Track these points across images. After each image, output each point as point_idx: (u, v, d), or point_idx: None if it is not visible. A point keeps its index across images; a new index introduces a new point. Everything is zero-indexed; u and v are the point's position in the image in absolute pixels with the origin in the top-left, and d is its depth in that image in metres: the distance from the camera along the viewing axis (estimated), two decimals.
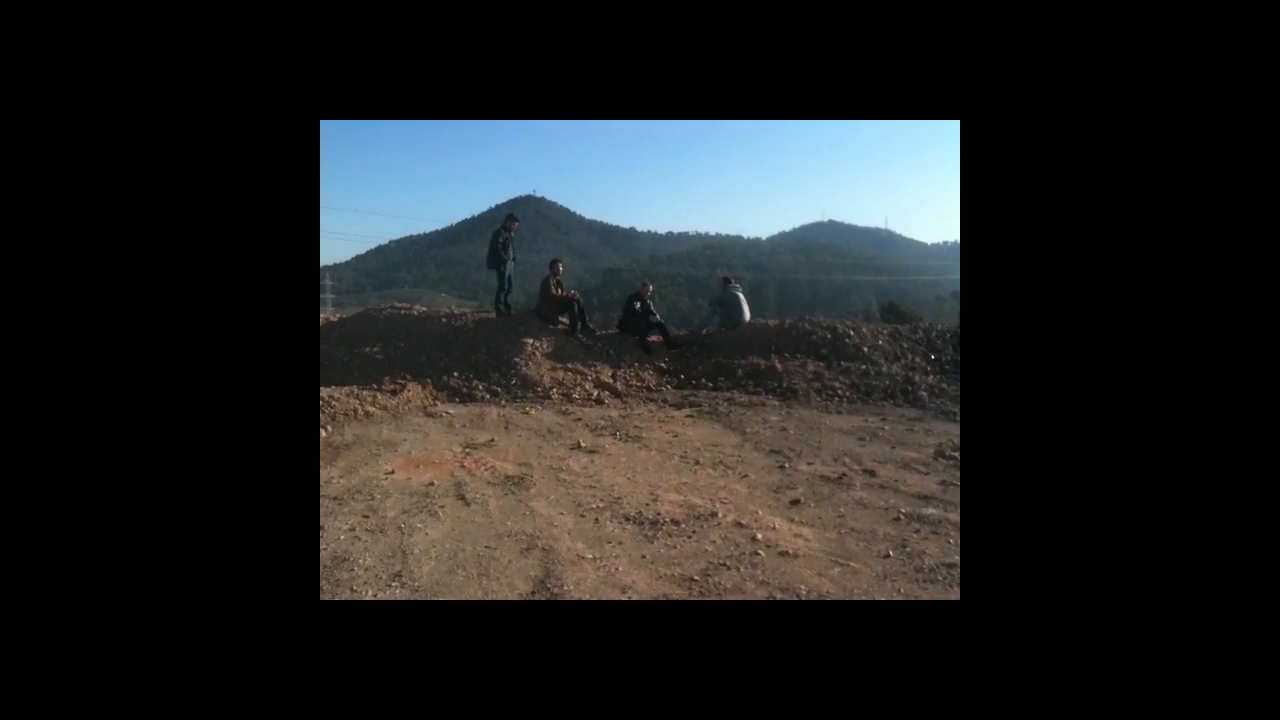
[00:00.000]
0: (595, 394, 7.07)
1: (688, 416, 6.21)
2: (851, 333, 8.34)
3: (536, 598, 2.60)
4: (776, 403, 6.75)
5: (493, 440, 5.27)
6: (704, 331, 9.12)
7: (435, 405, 6.63)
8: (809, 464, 4.61)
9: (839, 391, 7.02)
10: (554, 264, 9.02)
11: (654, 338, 8.74)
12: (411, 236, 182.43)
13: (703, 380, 7.59)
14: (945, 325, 9.55)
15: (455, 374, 7.33)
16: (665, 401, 6.88)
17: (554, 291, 8.66)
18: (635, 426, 5.73)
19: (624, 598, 2.60)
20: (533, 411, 6.37)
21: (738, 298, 8.91)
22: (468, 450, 4.98)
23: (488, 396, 6.95)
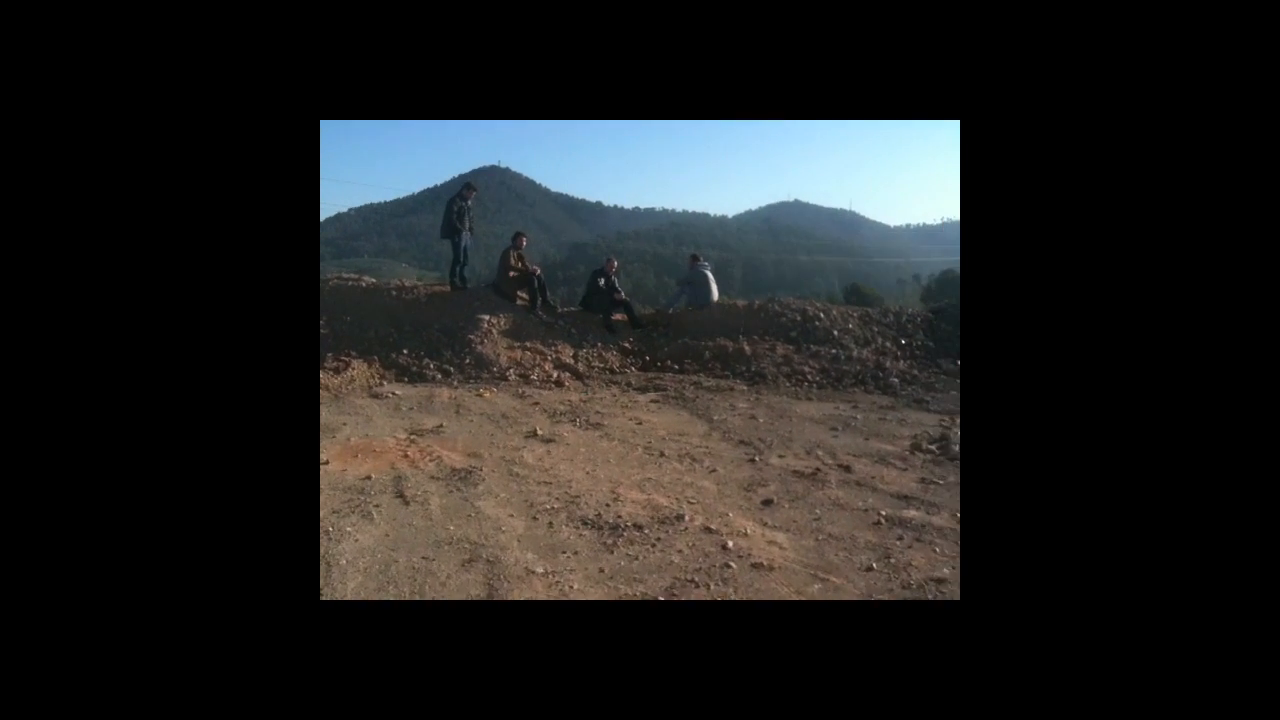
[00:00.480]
0: (555, 375, 6.69)
1: (652, 402, 5.88)
2: (821, 315, 8.10)
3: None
4: (745, 388, 6.46)
5: (441, 426, 4.87)
6: (670, 311, 8.77)
7: (381, 385, 6.18)
8: (780, 457, 4.33)
9: (809, 376, 6.77)
10: (517, 237, 8.55)
11: (618, 316, 8.36)
12: (372, 205, 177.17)
13: (668, 362, 7.26)
14: (914, 309, 9.41)
15: (405, 351, 6.85)
16: (629, 385, 6.54)
17: (514, 265, 8.19)
18: (597, 412, 5.38)
19: None
20: (487, 394, 5.97)
21: (706, 277, 8.57)
22: (413, 438, 4.58)
23: (439, 376, 6.51)
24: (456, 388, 6.20)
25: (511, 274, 8.12)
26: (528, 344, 7.21)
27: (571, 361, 7.05)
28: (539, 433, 4.72)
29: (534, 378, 6.56)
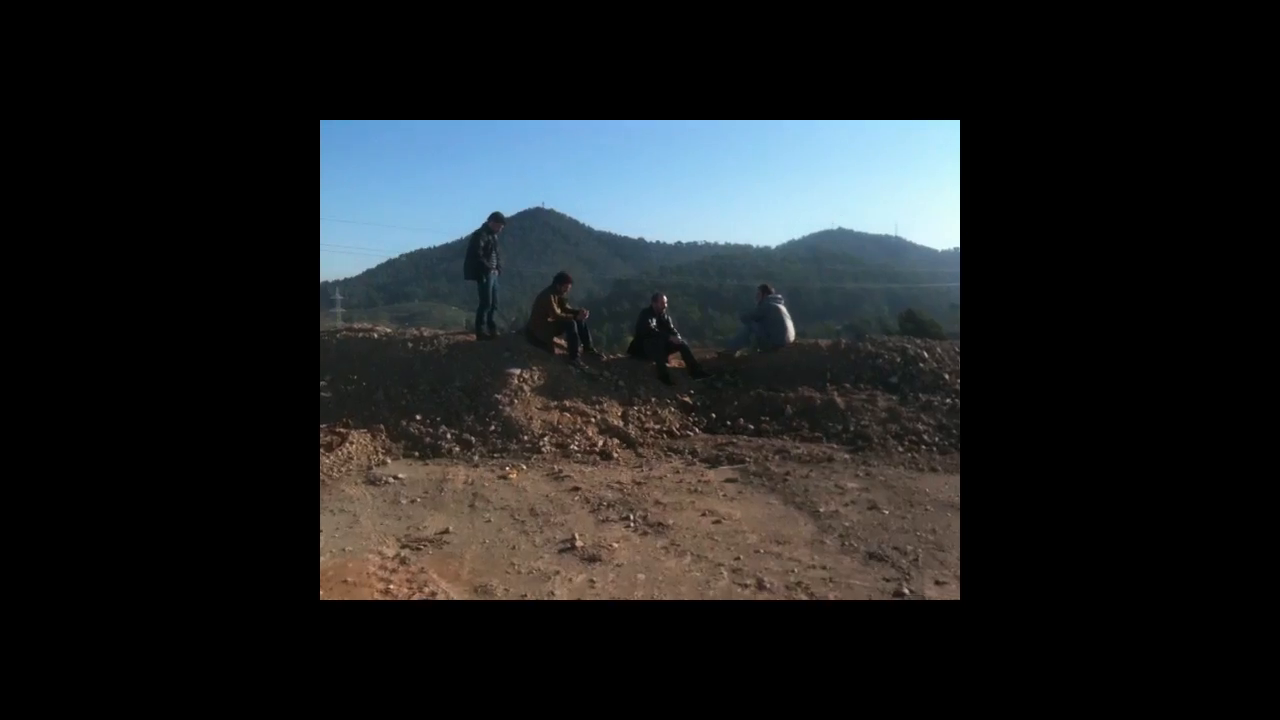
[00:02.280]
0: (600, 444, 5.32)
1: (729, 481, 4.44)
2: (925, 355, 6.55)
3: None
4: (847, 456, 4.96)
5: (446, 532, 3.54)
6: (736, 354, 7.34)
7: (384, 464, 4.92)
8: (940, 583, 2.86)
9: (925, 437, 5.23)
10: (562, 280, 7.16)
11: (674, 362, 6.99)
12: (421, 250, 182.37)
13: (741, 421, 5.81)
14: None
15: (418, 417, 5.61)
16: (694, 454, 5.12)
17: (555, 310, 6.90)
18: (656, 503, 3.98)
19: None
20: (514, 474, 4.63)
21: (779, 312, 7.11)
22: (404, 553, 3.27)
23: (457, 450, 5.22)
24: (477, 465, 4.88)
25: (549, 319, 6.84)
26: (567, 403, 5.87)
27: (620, 424, 5.68)
28: (578, 543, 3.34)
29: (574, 448, 5.20)
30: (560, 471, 4.68)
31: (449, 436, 5.37)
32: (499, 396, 5.79)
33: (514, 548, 3.35)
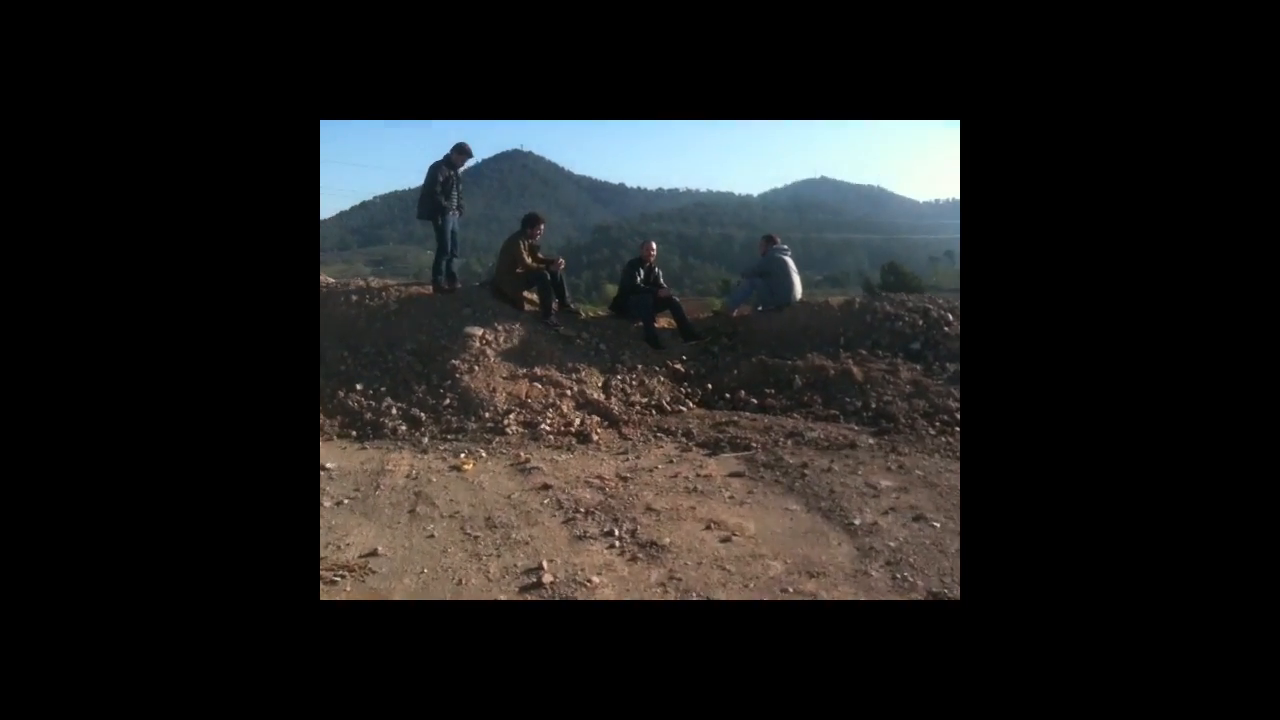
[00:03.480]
0: (577, 422, 4.45)
1: (735, 476, 3.62)
2: (950, 317, 5.73)
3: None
4: (871, 441, 4.16)
5: (374, 555, 2.69)
6: (734, 314, 6.44)
7: None
8: None
9: (959, 417, 4.44)
10: (533, 222, 6.10)
11: (663, 322, 6.09)
12: (396, 192, 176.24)
13: (741, 393, 4.98)
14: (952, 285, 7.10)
15: (358, 388, 4.68)
16: (689, 437, 4.28)
17: (524, 259, 5.91)
18: (647, 508, 3.16)
19: None
20: (469, 464, 3.76)
21: (785, 265, 6.18)
22: None
23: (403, 428, 4.32)
24: (425, 451, 4.00)
25: (518, 270, 5.85)
26: (538, 370, 4.97)
27: (601, 397, 4.80)
28: (546, 576, 2.51)
29: (545, 427, 4.33)
30: (527, 461, 3.81)
31: (394, 412, 4.46)
32: (456, 362, 4.87)
33: (460, 582, 2.51)
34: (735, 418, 4.59)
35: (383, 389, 4.69)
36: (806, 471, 3.62)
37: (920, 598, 2.41)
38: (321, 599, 2.31)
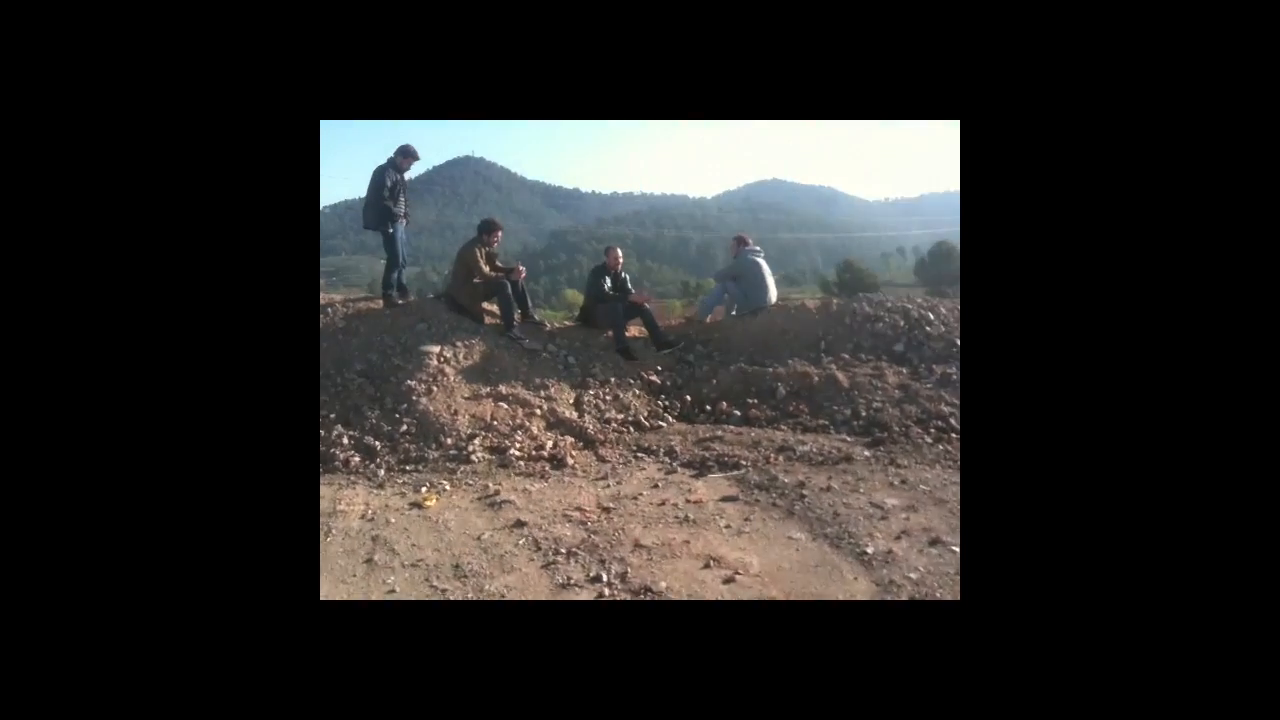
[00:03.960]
0: (550, 445, 4.07)
1: (728, 501, 3.30)
2: (931, 316, 5.54)
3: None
4: (867, 453, 3.89)
5: None
6: (708, 320, 6.14)
7: None
8: None
9: (952, 421, 4.22)
10: (489, 228, 5.62)
11: (634, 331, 5.75)
12: (348, 201, 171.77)
13: (723, 405, 4.67)
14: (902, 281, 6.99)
15: None
16: (672, 456, 3.95)
17: (482, 268, 5.48)
18: (636, 545, 2.81)
19: None
20: (432, 500, 3.35)
21: (758, 266, 5.90)
22: None
23: (356, 459, 3.88)
24: (382, 485, 3.58)
25: (476, 280, 5.43)
26: (503, 389, 4.57)
27: (574, 415, 4.44)
28: None
29: (515, 452, 3.95)
30: (496, 493, 3.42)
31: (345, 441, 4.01)
32: (412, 383, 4.43)
33: None
34: (719, 432, 4.28)
35: (331, 415, 4.23)
36: (805, 492, 3.32)
37: None
38: (322, 599, 2.32)
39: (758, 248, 6.08)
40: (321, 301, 5.53)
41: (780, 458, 3.83)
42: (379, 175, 5.48)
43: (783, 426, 4.37)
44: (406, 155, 5.64)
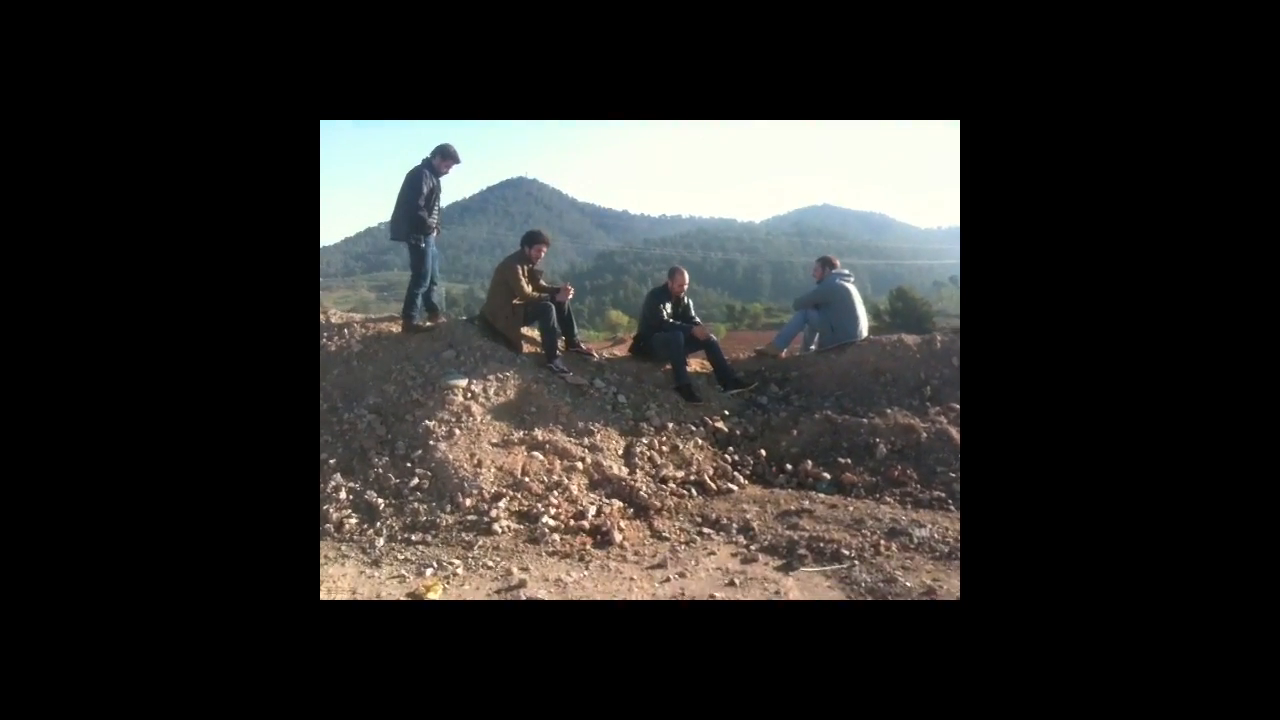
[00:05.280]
0: (593, 512, 3.24)
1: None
2: None
3: None
4: None
5: None
6: (783, 353, 5.25)
7: None
8: None
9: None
10: (533, 240, 4.88)
11: (695, 363, 4.91)
12: None
13: (806, 464, 3.77)
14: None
15: None
16: (749, 535, 3.06)
17: (523, 287, 4.73)
18: None
19: None
20: (437, 590, 2.55)
21: (847, 293, 5.00)
22: None
23: (353, 521, 3.12)
24: (377, 563, 2.79)
25: (515, 301, 4.67)
26: (539, 434, 3.77)
27: (623, 472, 3.60)
28: None
29: (549, 520, 3.12)
30: (521, 583, 2.59)
31: (343, 496, 3.26)
32: (431, 424, 3.67)
33: None
34: (806, 502, 3.38)
35: (331, 461, 3.49)
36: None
37: None
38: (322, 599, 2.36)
39: (847, 271, 5.18)
40: (338, 320, 4.85)
41: (893, 545, 2.90)
42: (414, 178, 4.78)
43: (889, 498, 3.44)
44: (446, 157, 4.93)
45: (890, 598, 2.45)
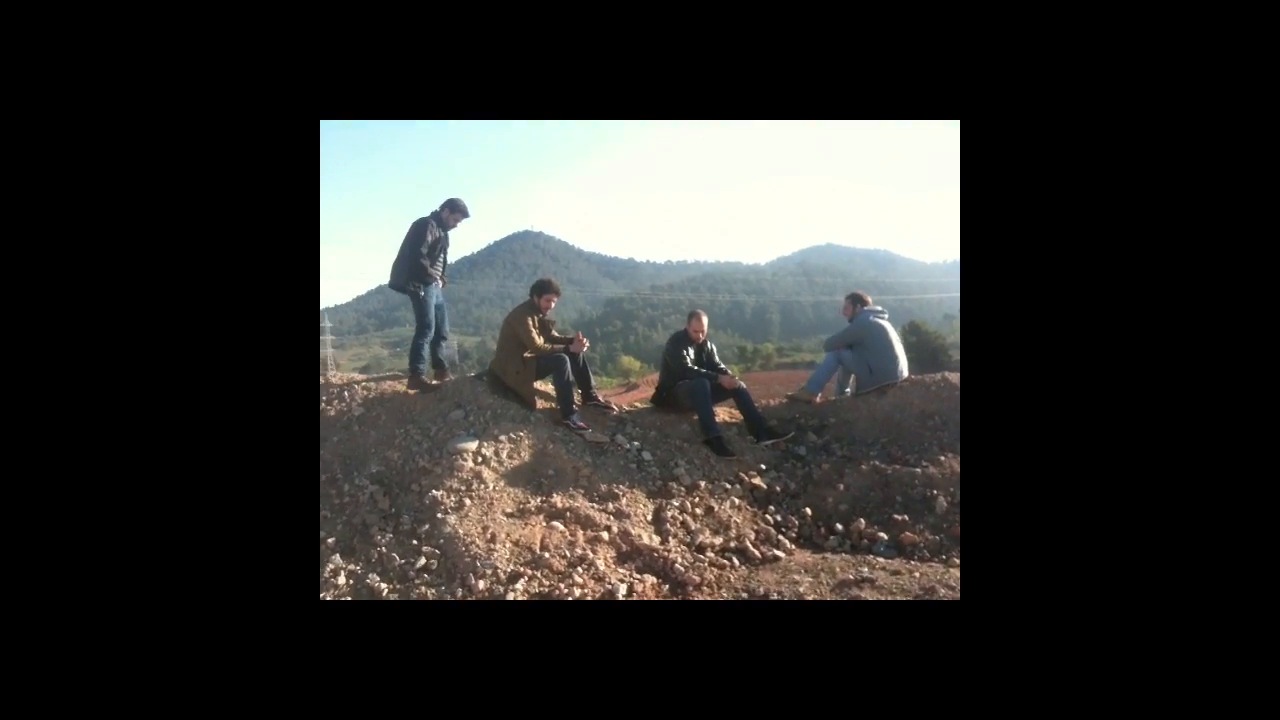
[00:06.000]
0: (623, 592, 2.84)
1: None
2: None
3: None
4: None
5: None
6: (817, 399, 4.88)
7: None
8: None
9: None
10: (543, 289, 4.52)
11: (722, 412, 4.54)
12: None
13: (859, 523, 3.37)
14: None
15: None
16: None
17: (534, 338, 4.41)
18: None
19: None
20: None
21: (883, 330, 4.67)
22: None
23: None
24: None
25: (527, 355, 4.36)
26: (558, 500, 3.40)
27: (654, 540, 3.21)
28: None
29: (570, 598, 2.72)
30: None
31: (341, 580, 2.89)
32: (439, 494, 3.32)
33: None
34: (865, 569, 2.96)
35: (330, 540, 3.13)
36: None
37: None
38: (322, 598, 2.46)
39: (880, 308, 4.84)
40: (338, 381, 4.54)
41: None
42: (419, 227, 4.55)
43: (957, 559, 3.03)
44: (455, 210, 4.71)
45: None
